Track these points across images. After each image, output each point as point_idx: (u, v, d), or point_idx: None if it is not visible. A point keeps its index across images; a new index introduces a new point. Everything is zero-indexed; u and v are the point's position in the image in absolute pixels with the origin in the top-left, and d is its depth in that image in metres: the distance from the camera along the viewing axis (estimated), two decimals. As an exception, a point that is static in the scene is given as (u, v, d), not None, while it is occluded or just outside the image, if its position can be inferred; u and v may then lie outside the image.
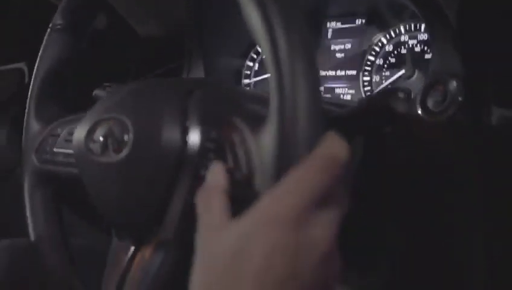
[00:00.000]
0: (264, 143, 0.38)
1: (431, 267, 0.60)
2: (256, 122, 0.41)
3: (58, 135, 0.66)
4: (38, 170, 0.67)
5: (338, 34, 0.93)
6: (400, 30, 0.83)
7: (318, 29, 0.95)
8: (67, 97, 0.74)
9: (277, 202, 0.34)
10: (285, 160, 0.36)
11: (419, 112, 0.62)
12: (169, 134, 0.49)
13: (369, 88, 0.86)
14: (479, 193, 0.55)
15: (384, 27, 0.85)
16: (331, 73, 0.92)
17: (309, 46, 0.38)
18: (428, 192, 0.60)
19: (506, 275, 0.55)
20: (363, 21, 0.89)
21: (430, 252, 0.59)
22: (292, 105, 0.36)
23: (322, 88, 0.92)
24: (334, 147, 0.36)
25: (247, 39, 1.06)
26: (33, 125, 0.69)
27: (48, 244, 0.65)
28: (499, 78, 0.56)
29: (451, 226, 0.58)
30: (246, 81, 1.07)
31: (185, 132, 0.49)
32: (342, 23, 0.92)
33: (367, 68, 0.86)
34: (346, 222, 0.37)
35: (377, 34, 0.86)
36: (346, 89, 0.89)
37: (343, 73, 0.90)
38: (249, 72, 1.06)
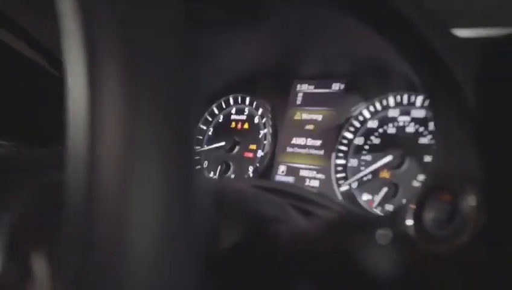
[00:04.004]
0: None
1: None
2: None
3: None
4: None
5: (309, 100, 0.75)
6: (387, 102, 0.65)
7: (285, 92, 0.76)
8: None
9: None
10: None
11: (412, 232, 0.41)
12: None
13: (343, 175, 0.66)
14: None
15: (367, 96, 0.67)
16: (297, 150, 0.73)
17: None
18: None
19: None
20: (342, 86, 0.70)
21: None
22: None
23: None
24: None
25: (200, 98, 0.87)
26: None
27: None
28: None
29: None
30: (196, 148, 0.86)
31: None
32: (315, 87, 0.75)
33: (342, 148, 0.67)
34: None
35: (358, 105, 0.68)
36: (315, 172, 0.71)
37: (311, 151, 0.71)
38: (201, 138, 0.86)
